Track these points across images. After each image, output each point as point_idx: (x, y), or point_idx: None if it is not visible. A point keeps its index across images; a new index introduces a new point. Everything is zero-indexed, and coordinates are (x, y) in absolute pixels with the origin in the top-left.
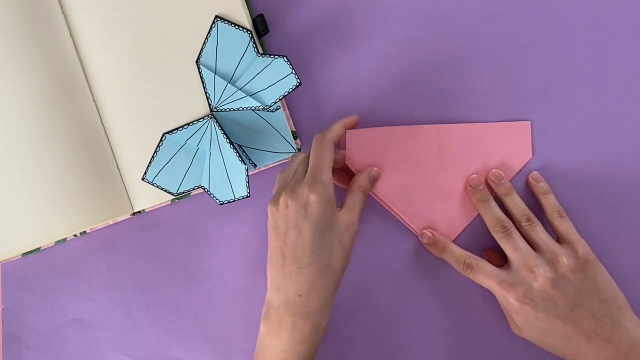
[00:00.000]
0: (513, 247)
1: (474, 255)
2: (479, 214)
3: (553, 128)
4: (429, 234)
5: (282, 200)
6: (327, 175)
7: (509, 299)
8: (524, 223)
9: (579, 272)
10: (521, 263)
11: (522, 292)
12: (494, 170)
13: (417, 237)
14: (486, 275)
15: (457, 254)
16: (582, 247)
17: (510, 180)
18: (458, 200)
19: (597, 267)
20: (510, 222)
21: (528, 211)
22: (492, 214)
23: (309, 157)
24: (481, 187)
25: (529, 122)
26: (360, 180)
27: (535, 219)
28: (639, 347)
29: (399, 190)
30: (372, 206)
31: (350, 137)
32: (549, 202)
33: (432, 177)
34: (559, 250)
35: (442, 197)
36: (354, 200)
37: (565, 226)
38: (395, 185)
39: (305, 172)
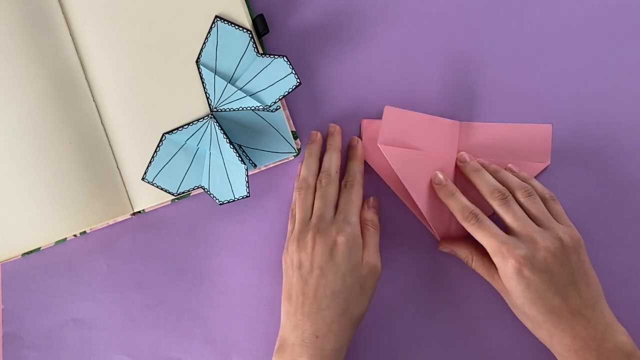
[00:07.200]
0: (514, 217)
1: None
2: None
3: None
4: (441, 176)
5: (309, 240)
6: (356, 218)
7: (508, 261)
8: (523, 195)
9: (574, 253)
10: (524, 232)
11: (523, 256)
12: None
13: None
14: (490, 233)
15: (464, 202)
16: (575, 231)
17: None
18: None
19: (585, 253)
20: (508, 193)
21: (526, 184)
22: (487, 183)
23: (322, 186)
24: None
25: (550, 125)
26: (367, 216)
27: (534, 192)
28: (612, 330)
29: (417, 177)
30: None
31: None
32: (537, 186)
33: (447, 172)
34: (559, 228)
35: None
36: (369, 237)
37: (557, 209)
38: (414, 173)
39: (325, 207)
